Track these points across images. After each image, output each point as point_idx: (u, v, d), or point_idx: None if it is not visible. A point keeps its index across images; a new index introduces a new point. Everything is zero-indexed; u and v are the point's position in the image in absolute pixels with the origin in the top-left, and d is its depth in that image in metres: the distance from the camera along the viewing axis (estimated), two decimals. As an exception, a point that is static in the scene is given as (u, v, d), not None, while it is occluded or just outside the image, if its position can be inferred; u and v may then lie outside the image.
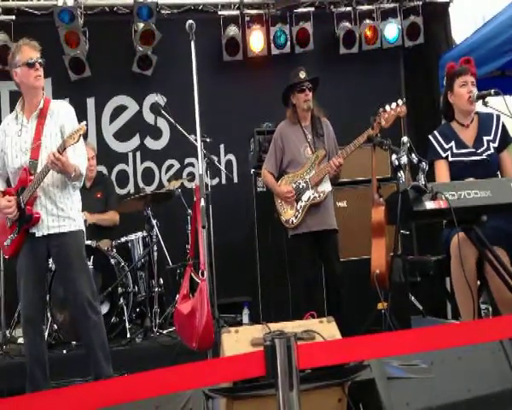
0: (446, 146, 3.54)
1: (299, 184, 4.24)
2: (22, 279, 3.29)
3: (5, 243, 3.37)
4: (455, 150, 3.52)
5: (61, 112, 3.39)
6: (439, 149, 3.55)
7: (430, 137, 3.63)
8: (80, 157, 3.31)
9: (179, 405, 2.28)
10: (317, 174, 4.20)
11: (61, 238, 3.30)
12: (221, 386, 2.20)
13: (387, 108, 3.92)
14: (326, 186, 4.23)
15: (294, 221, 4.21)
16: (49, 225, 3.28)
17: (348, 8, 6.29)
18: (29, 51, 3.32)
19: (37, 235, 3.27)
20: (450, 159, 3.51)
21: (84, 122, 3.18)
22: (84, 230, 3.53)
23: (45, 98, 3.41)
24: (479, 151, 3.49)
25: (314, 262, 4.31)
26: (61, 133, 3.32)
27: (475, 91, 3.49)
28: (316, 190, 4.20)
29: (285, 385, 1.67)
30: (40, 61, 3.33)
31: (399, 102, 3.93)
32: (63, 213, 3.31)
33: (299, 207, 4.21)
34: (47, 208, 3.28)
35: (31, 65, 3.29)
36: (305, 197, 4.21)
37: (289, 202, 4.24)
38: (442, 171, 3.50)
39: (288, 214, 4.25)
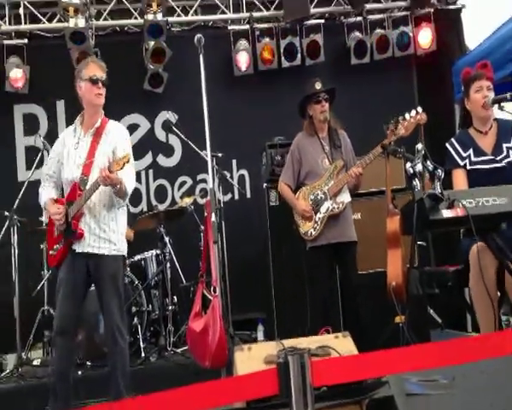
0: (464, 154, 3.45)
1: (318, 195, 4.18)
2: (61, 292, 3.35)
3: (50, 252, 3.47)
4: (473, 158, 3.43)
5: (116, 133, 3.47)
6: (456, 157, 3.46)
7: (447, 145, 3.54)
8: (128, 176, 3.35)
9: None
10: (336, 185, 4.13)
11: (98, 259, 3.34)
12: (234, 407, 2.14)
13: (407, 116, 3.83)
14: (345, 197, 4.17)
15: (313, 233, 4.14)
16: (90, 243, 3.34)
17: (359, 18, 6.25)
18: (95, 68, 3.42)
19: (77, 251, 3.33)
20: (469, 167, 3.42)
21: (128, 151, 3.23)
22: (126, 255, 3.54)
23: (103, 118, 3.50)
24: (498, 158, 3.39)
25: (332, 275, 4.24)
26: (113, 154, 3.39)
27: (491, 96, 3.41)
28: (334, 201, 4.14)
29: (299, 404, 1.61)
30: (103, 80, 3.42)
31: (419, 109, 3.84)
32: (104, 235, 3.36)
33: (317, 219, 4.14)
34: (90, 227, 3.34)
35: (94, 81, 3.38)
36: (323, 209, 4.14)
37: (307, 217, 4.18)
38: (460, 180, 3.41)
39: (307, 226, 4.18)
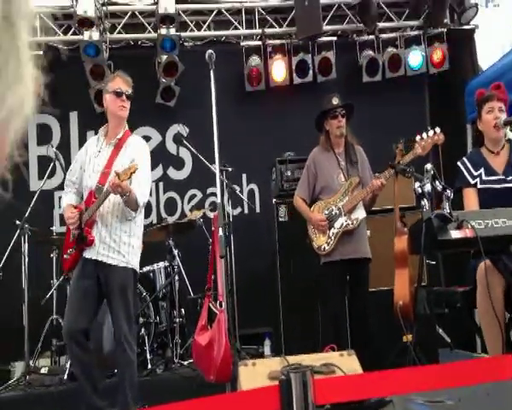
0: (475, 173, 3.44)
1: (332, 210, 4.18)
2: (71, 298, 3.43)
3: (65, 256, 3.55)
4: (484, 177, 3.42)
5: (135, 147, 3.54)
6: (467, 175, 3.46)
7: (459, 163, 3.53)
8: (140, 188, 3.37)
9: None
10: (351, 201, 4.13)
11: (107, 269, 3.38)
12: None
13: (424, 135, 3.83)
14: (359, 213, 4.15)
15: (326, 248, 4.13)
16: (99, 251, 3.39)
17: (371, 37, 6.28)
18: (120, 82, 3.54)
19: (87, 257, 3.39)
20: (479, 186, 3.41)
21: (137, 162, 3.26)
22: (137, 266, 3.54)
23: (126, 131, 3.59)
24: (509, 179, 3.38)
25: (344, 291, 4.20)
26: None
27: (503, 117, 3.41)
28: (349, 217, 4.13)
29: (301, 422, 1.60)
30: (128, 94, 3.53)
31: (437, 129, 3.84)
32: (114, 245, 3.39)
33: (331, 234, 4.14)
34: (101, 235, 3.40)
35: (119, 94, 3.50)
36: (337, 224, 4.14)
37: (322, 230, 4.18)
38: (471, 199, 3.40)
39: (321, 241, 4.18)
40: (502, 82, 3.81)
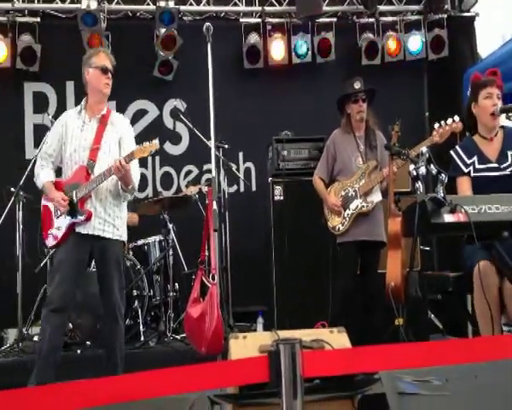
0: (468, 161, 3.45)
1: (348, 192, 4.27)
2: (59, 272, 3.35)
3: (50, 232, 3.47)
4: (477, 165, 3.42)
5: (122, 125, 3.57)
6: (460, 164, 3.46)
7: (452, 152, 3.54)
8: (136, 173, 3.48)
9: (183, 409, 2.23)
10: (367, 184, 4.23)
11: (103, 243, 3.40)
12: (226, 392, 2.16)
13: (443, 123, 3.85)
14: (375, 196, 4.25)
15: (341, 228, 4.25)
16: (95, 226, 3.38)
17: (371, 20, 6.24)
18: (105, 59, 3.51)
19: (82, 232, 3.36)
20: (473, 174, 3.42)
21: (157, 141, 3.28)
22: (126, 240, 3.62)
23: (108, 108, 3.58)
24: (502, 166, 3.39)
25: (355, 271, 4.31)
26: (119, 144, 3.48)
27: (499, 105, 3.40)
28: (364, 200, 4.23)
29: (289, 393, 1.62)
30: (112, 72, 3.51)
31: (456, 118, 3.85)
32: (109, 219, 3.43)
33: (346, 215, 4.25)
34: (96, 210, 3.39)
35: (104, 71, 3.47)
36: (352, 206, 4.24)
37: (336, 212, 4.28)
38: (464, 188, 3.41)
39: (336, 221, 4.29)
40: (500, 71, 3.79)
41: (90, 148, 3.41)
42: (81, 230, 3.37)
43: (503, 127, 3.53)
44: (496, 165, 3.40)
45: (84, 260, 3.44)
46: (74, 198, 3.36)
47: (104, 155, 3.41)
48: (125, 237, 3.57)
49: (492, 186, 3.24)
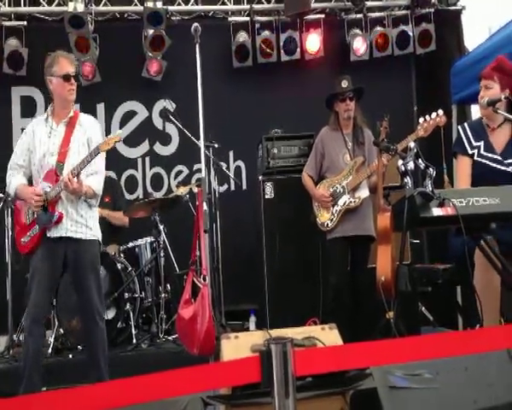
0: (475, 144, 3.35)
1: (337, 188, 4.34)
2: (35, 280, 3.32)
3: (22, 240, 3.44)
4: (482, 151, 3.33)
5: (89, 125, 3.55)
6: (466, 144, 3.37)
7: (459, 128, 3.46)
8: (97, 175, 3.45)
9: (177, 411, 2.24)
10: (354, 180, 4.29)
11: (77, 244, 3.37)
12: (219, 393, 2.17)
13: (427, 117, 3.91)
14: (363, 192, 4.32)
15: (330, 224, 4.32)
16: (67, 228, 3.36)
17: (359, 16, 6.25)
18: (66, 65, 3.47)
19: (54, 236, 3.34)
20: (476, 158, 3.33)
21: (121, 131, 3.33)
22: (101, 239, 3.59)
23: (75, 110, 3.57)
24: (506, 162, 3.30)
25: (345, 266, 4.35)
26: (87, 145, 3.46)
27: (487, 96, 3.35)
28: (352, 196, 4.30)
29: (281, 392, 1.63)
30: (74, 74, 3.48)
31: (440, 112, 3.91)
32: (81, 220, 3.41)
33: (334, 212, 4.31)
34: (67, 211, 3.37)
35: (67, 78, 3.43)
36: (341, 202, 4.31)
37: (326, 206, 4.34)
38: (464, 169, 3.33)
39: (324, 218, 4.36)
40: (486, 63, 3.74)
41: (58, 152, 3.40)
42: (53, 233, 3.34)
43: None
44: (499, 158, 3.31)
45: (59, 266, 3.40)
46: (45, 202, 3.32)
47: (74, 155, 3.40)
48: (99, 236, 3.54)
49: (493, 178, 3.18)
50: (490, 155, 3.34)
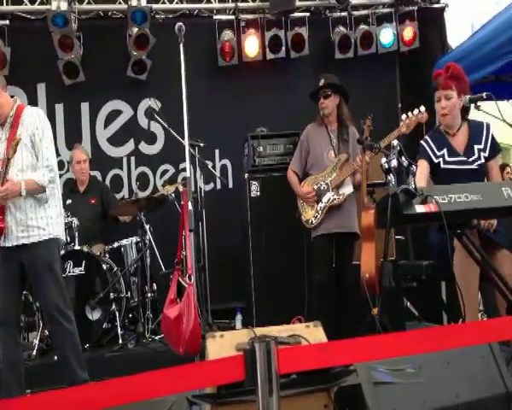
0: (438, 153, 3.50)
1: (321, 185, 4.36)
2: None
3: None
4: (447, 158, 3.48)
5: (29, 121, 3.38)
6: (430, 152, 3.51)
7: (422, 142, 3.59)
8: (43, 168, 3.31)
9: (162, 411, 2.24)
10: (338, 177, 4.30)
11: (31, 249, 3.30)
12: (204, 392, 2.17)
13: (409, 114, 3.93)
14: (346, 189, 4.33)
15: (314, 222, 4.33)
16: (18, 235, 3.30)
17: (343, 14, 6.27)
18: None
19: (6, 245, 3.28)
20: (442, 166, 3.47)
21: (19, 133, 3.20)
22: (61, 235, 3.49)
23: (17, 107, 3.43)
24: (470, 160, 3.44)
25: (330, 263, 4.37)
26: (31, 142, 3.34)
27: (449, 104, 3.44)
28: (336, 192, 4.31)
29: (265, 390, 1.64)
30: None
31: (421, 108, 3.94)
32: (32, 223, 3.31)
33: (318, 209, 4.32)
34: (16, 218, 3.30)
35: None
36: (325, 199, 4.32)
37: (310, 203, 4.35)
38: (422, 170, 3.38)
39: (309, 215, 4.37)
40: (468, 61, 3.81)
41: (1, 159, 3.31)
42: (6, 243, 3.30)
43: (468, 121, 3.58)
44: (464, 158, 3.45)
45: (17, 272, 3.35)
46: None
47: (20, 157, 3.29)
48: (56, 233, 3.41)
49: (461, 179, 3.25)
50: (455, 158, 3.47)
